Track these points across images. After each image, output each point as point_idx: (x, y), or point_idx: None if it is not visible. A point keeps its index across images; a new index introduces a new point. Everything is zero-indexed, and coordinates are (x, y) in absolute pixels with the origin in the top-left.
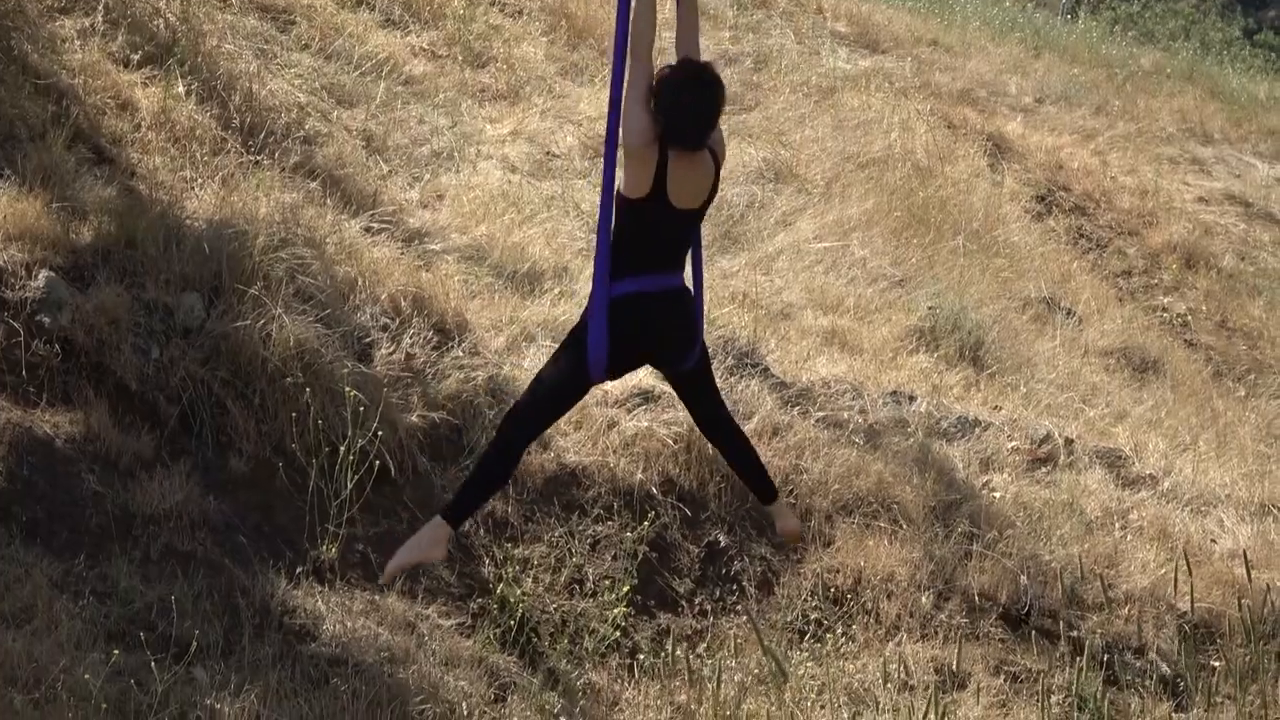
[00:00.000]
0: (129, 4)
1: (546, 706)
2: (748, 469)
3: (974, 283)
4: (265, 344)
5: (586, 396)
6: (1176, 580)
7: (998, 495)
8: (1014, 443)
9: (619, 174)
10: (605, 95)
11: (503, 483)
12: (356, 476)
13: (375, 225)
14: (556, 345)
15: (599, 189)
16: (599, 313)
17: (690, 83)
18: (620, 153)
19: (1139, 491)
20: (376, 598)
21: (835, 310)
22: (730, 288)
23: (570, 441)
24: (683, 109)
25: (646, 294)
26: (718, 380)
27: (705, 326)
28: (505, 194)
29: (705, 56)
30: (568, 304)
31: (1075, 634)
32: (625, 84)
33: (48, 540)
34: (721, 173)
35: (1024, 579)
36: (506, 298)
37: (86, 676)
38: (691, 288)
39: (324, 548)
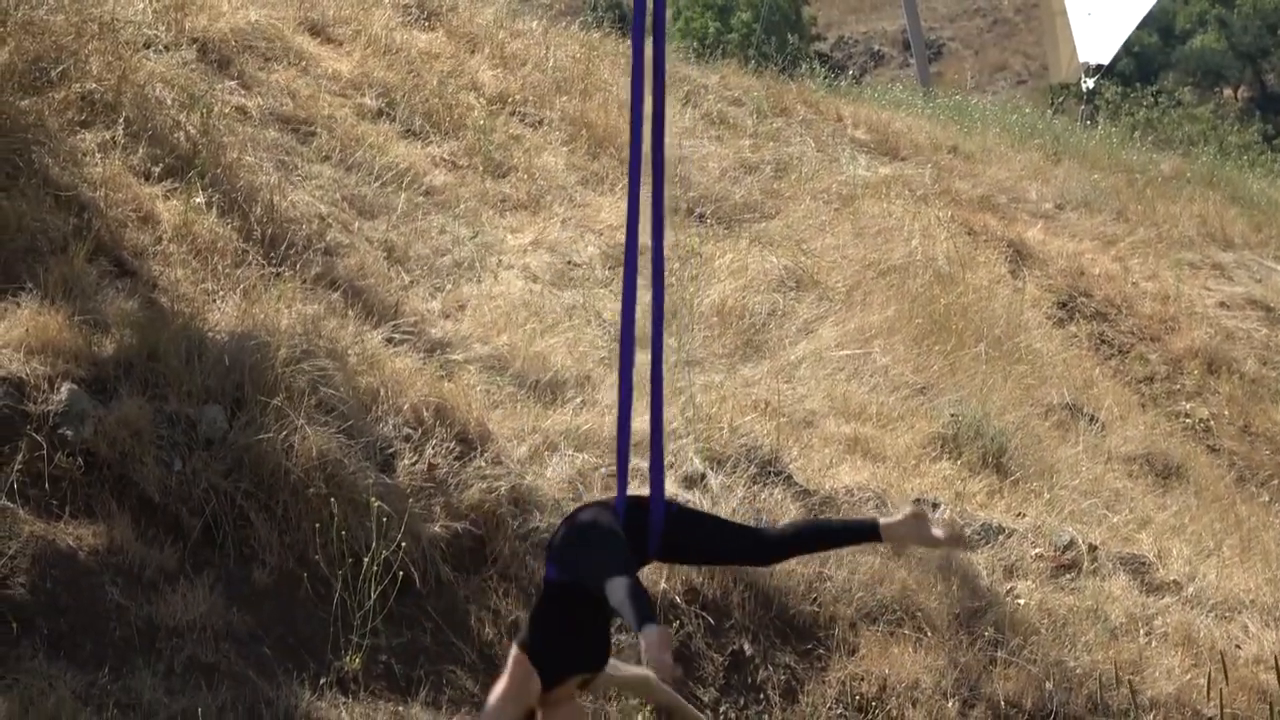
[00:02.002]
0: (149, 117)
1: None
2: (836, 537)
3: (996, 389)
4: (288, 455)
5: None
6: (1209, 686)
7: (1022, 602)
8: (1038, 549)
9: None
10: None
11: None
12: (380, 587)
13: (397, 336)
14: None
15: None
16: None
17: None
18: None
19: (1163, 598)
20: (400, 708)
21: (858, 418)
22: (752, 396)
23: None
24: None
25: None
26: (740, 491)
27: (729, 435)
28: (527, 303)
29: (725, 163)
30: (590, 413)
31: None
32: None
33: (71, 653)
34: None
35: (1049, 686)
36: (529, 407)
37: None
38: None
39: (348, 658)
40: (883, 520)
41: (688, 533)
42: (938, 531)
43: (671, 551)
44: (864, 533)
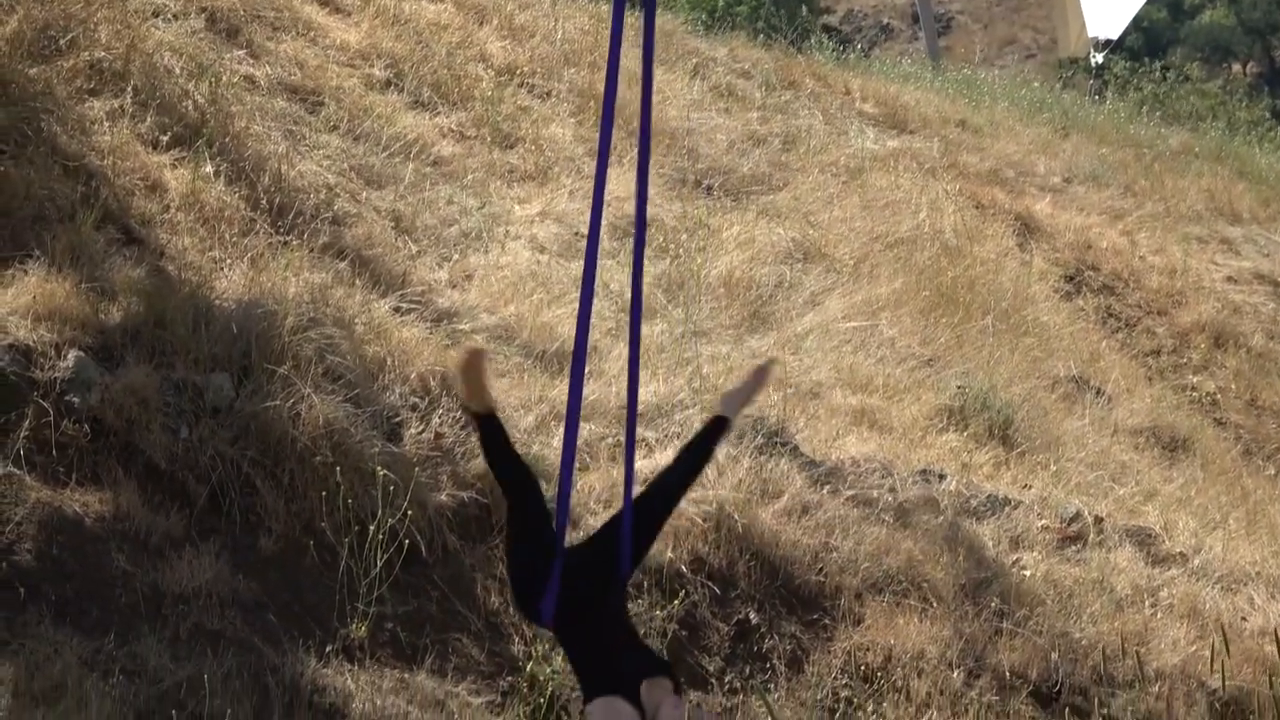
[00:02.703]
0: (158, 86)
1: None
2: (700, 445)
3: (1003, 362)
4: (294, 423)
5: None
6: (1212, 657)
7: (1028, 573)
8: (1044, 521)
9: None
10: (632, 175)
11: None
12: (386, 555)
13: (404, 305)
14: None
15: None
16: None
17: None
18: None
19: (1169, 569)
20: (406, 676)
21: (864, 389)
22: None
23: (599, 521)
24: None
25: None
26: (747, 461)
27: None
28: (534, 274)
29: (733, 135)
30: (596, 383)
31: (1106, 711)
32: None
33: (77, 619)
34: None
35: (1054, 656)
36: (535, 377)
37: None
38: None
39: (354, 626)
40: (721, 402)
41: (645, 524)
42: (755, 380)
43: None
44: (715, 428)
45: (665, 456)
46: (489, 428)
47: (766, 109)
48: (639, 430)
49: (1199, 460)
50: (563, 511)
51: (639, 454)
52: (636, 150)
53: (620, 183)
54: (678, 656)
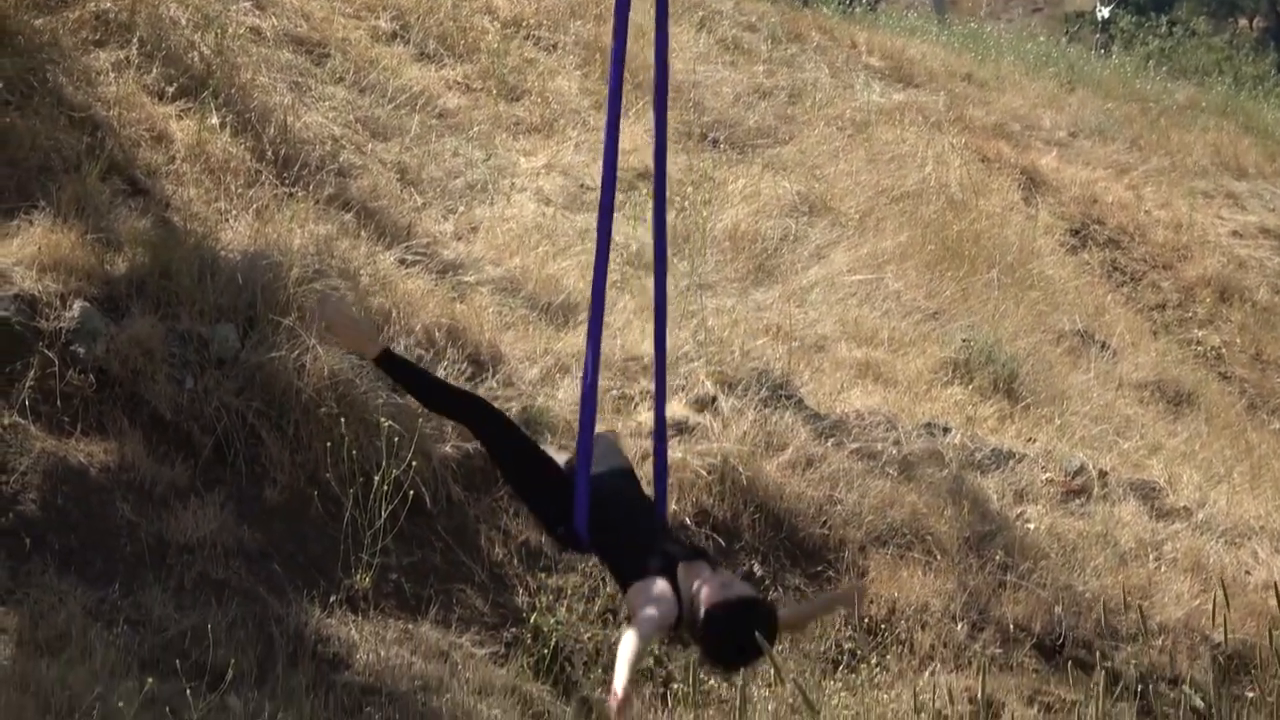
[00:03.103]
0: (164, 37)
1: None
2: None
3: (1008, 316)
4: (299, 375)
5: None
6: (1214, 611)
7: (1032, 527)
8: (1048, 475)
9: (652, 611)
10: (639, 128)
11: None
12: (391, 506)
13: (410, 257)
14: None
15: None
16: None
17: (748, 643)
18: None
19: (1173, 523)
20: (410, 626)
21: (869, 343)
22: (764, 320)
23: None
24: (728, 655)
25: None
26: (751, 414)
27: (740, 359)
28: (539, 226)
29: (739, 88)
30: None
31: (1109, 665)
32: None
33: (82, 569)
34: None
35: (1058, 610)
36: (541, 329)
37: (121, 705)
38: None
39: (358, 577)
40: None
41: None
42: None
43: None
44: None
45: (670, 409)
46: (394, 366)
47: (772, 62)
48: (644, 383)
49: (1203, 414)
50: (584, 453)
51: (644, 406)
52: (643, 103)
53: (626, 135)
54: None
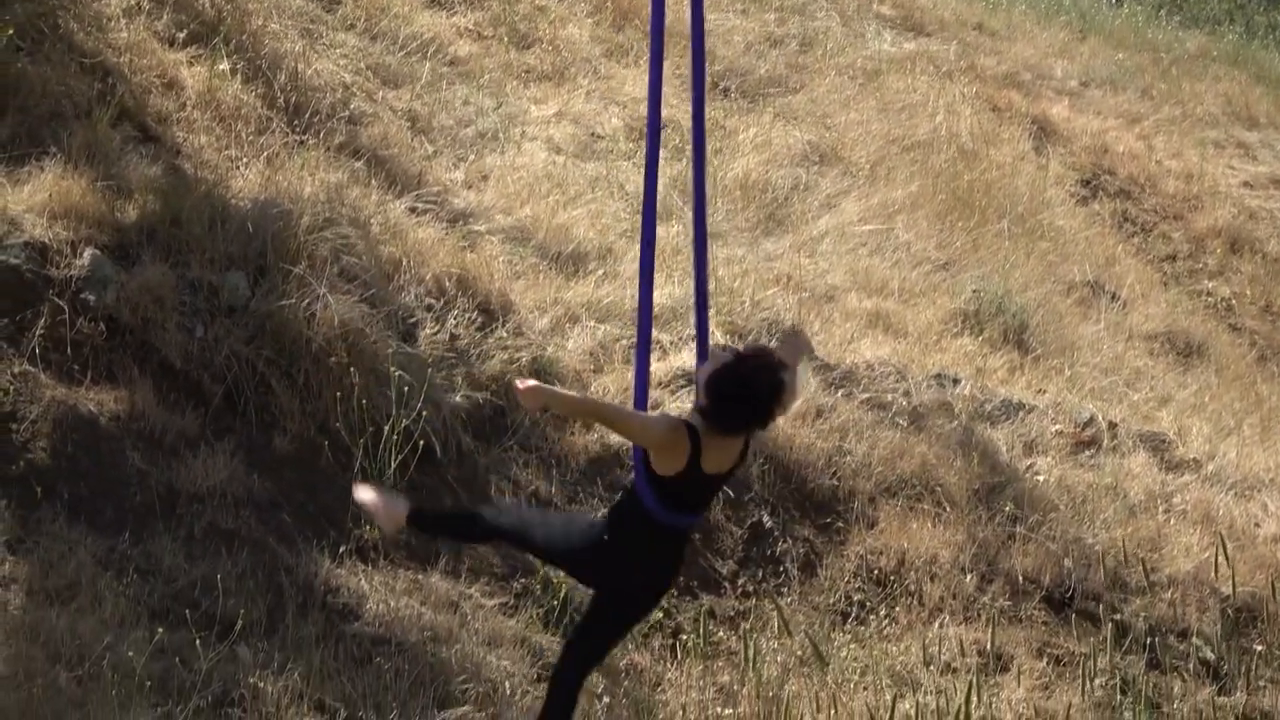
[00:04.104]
0: None
1: (589, 686)
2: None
3: (1018, 266)
4: (310, 323)
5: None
6: (1218, 564)
7: (1041, 478)
8: (1058, 426)
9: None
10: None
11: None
12: (400, 456)
13: (420, 205)
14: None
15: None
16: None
17: (758, 387)
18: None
19: (1182, 475)
20: (420, 577)
21: (880, 293)
22: (774, 270)
23: None
24: (737, 409)
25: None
26: None
27: (750, 309)
28: (550, 175)
29: (750, 37)
30: (611, 285)
31: (1118, 617)
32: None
33: (92, 518)
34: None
35: (1067, 562)
36: (551, 278)
37: (130, 654)
38: None
39: (367, 527)
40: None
41: None
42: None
43: None
44: None
45: (679, 359)
46: (425, 523)
47: (784, 10)
48: (657, 332)
49: (1213, 366)
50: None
51: (653, 357)
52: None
53: (640, 83)
54: (691, 559)
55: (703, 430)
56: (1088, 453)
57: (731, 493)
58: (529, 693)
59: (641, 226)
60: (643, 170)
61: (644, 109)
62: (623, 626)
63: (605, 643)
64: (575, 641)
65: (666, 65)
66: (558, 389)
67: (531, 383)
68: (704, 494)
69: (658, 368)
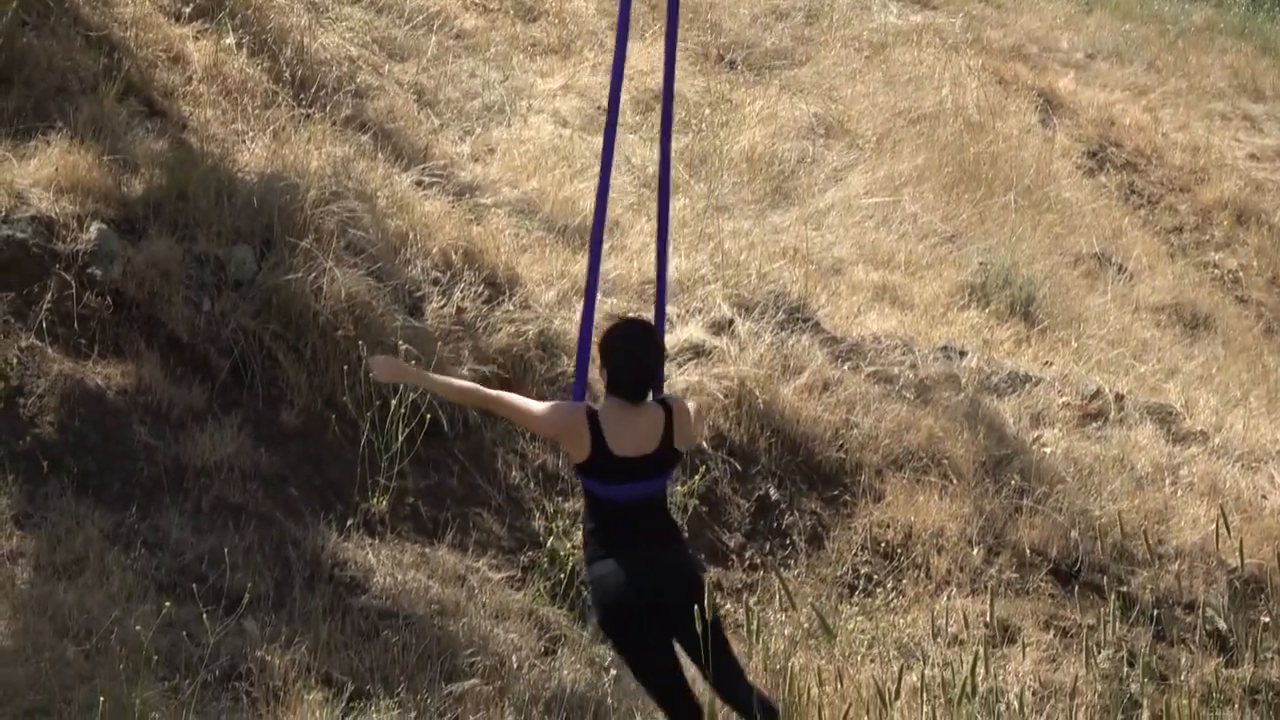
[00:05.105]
0: None
1: (596, 659)
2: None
3: (1025, 238)
4: (316, 297)
5: None
6: (1221, 535)
7: (1048, 450)
8: (1065, 398)
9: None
10: (656, 49)
11: None
12: (408, 430)
13: (426, 179)
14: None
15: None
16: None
17: (634, 341)
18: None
19: (1189, 447)
20: (427, 550)
21: (886, 266)
22: (781, 243)
23: None
24: (625, 366)
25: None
26: (768, 337)
27: (757, 282)
28: (556, 148)
29: (756, 9)
30: (618, 259)
31: (1125, 589)
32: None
33: (99, 492)
34: (685, 421)
35: (1074, 534)
36: (557, 251)
37: (138, 628)
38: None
39: (375, 500)
40: None
41: None
42: None
43: None
44: None
45: (687, 332)
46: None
47: None
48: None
49: (1220, 338)
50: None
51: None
52: (660, 26)
53: (643, 56)
54: (698, 532)
55: (603, 411)
56: (1094, 425)
57: (739, 465)
58: (536, 665)
59: (596, 200)
60: (651, 144)
61: (650, 82)
62: (650, 638)
63: (655, 661)
64: (634, 673)
65: (661, 39)
66: (426, 372)
67: (386, 357)
68: (633, 473)
69: (667, 339)
